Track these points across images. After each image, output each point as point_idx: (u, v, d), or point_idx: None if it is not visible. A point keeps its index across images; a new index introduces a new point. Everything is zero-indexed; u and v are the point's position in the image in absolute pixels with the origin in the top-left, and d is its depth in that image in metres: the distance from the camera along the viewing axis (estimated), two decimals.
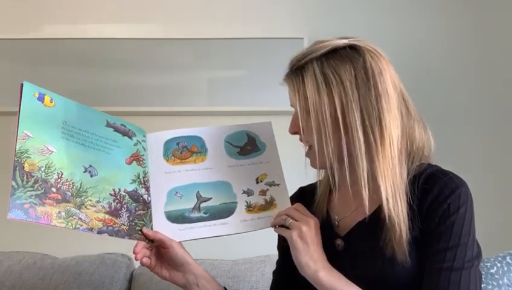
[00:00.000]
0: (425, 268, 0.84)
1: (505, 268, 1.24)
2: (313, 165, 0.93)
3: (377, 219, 0.87)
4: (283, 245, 1.04)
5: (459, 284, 0.80)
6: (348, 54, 0.88)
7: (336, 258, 0.87)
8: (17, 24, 1.84)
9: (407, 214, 0.84)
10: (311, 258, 0.84)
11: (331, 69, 0.87)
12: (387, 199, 0.84)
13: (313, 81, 0.87)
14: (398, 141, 0.86)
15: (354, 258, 0.89)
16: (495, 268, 1.24)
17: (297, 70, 0.90)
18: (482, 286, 1.20)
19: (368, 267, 0.86)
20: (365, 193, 0.85)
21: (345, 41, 0.90)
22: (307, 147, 0.93)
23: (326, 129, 0.86)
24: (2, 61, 1.80)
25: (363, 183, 0.85)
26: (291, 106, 0.94)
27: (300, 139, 0.94)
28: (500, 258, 1.26)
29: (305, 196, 1.03)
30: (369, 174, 0.85)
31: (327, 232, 0.92)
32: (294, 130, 0.93)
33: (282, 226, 0.89)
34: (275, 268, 1.09)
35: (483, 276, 1.22)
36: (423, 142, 0.92)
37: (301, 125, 0.90)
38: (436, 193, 0.85)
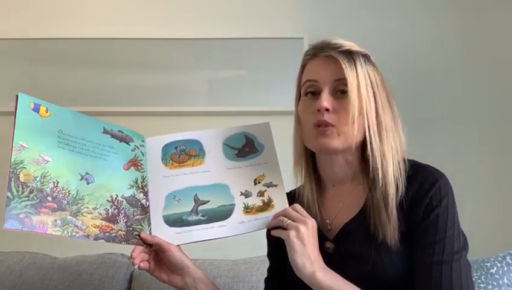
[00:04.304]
0: (415, 264, 0.85)
1: (505, 268, 1.24)
2: (330, 145, 0.90)
3: (365, 211, 0.90)
4: (274, 252, 1.05)
5: (451, 276, 0.82)
6: (371, 61, 0.94)
7: (326, 261, 0.87)
8: (18, 24, 1.85)
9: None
10: (308, 259, 0.84)
11: (371, 69, 0.93)
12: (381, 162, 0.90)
13: (363, 74, 0.90)
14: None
15: (344, 259, 0.89)
16: (495, 268, 1.24)
17: (347, 53, 0.91)
18: (482, 286, 1.21)
19: (359, 268, 0.87)
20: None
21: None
22: (330, 127, 0.90)
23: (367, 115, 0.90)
24: (2, 61, 1.81)
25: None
26: (331, 80, 0.91)
27: (324, 124, 0.90)
28: (500, 258, 1.26)
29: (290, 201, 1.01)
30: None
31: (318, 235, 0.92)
32: (329, 106, 0.90)
33: (279, 227, 0.89)
34: (266, 276, 1.09)
35: (483, 276, 1.22)
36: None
37: (353, 106, 0.88)
38: (416, 188, 0.87)
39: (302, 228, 0.85)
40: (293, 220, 0.87)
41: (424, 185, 0.87)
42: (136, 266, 0.93)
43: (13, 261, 1.41)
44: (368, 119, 0.89)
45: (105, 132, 1.00)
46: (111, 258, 1.43)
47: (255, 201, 0.98)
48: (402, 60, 1.83)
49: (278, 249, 0.98)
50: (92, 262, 1.41)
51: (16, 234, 1.55)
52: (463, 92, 1.86)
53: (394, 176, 0.88)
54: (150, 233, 0.95)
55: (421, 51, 1.87)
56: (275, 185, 1.00)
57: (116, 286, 1.37)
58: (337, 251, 0.92)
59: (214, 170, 1.02)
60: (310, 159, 1.00)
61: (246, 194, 0.99)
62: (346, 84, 0.89)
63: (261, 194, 0.99)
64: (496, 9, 1.91)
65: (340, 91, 0.91)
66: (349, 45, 0.93)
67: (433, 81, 1.86)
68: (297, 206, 0.91)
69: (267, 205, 0.97)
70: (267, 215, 0.95)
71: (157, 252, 0.95)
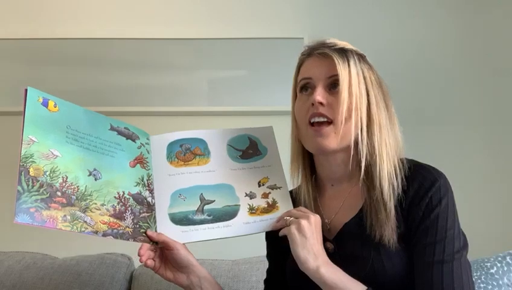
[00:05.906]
0: (415, 264, 0.85)
1: (505, 268, 1.24)
2: (327, 145, 0.91)
3: (362, 212, 0.90)
4: (273, 253, 1.06)
5: (452, 276, 0.82)
6: (367, 61, 0.95)
7: None
8: (17, 24, 1.84)
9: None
10: (310, 253, 0.84)
11: (366, 68, 0.93)
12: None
13: (356, 70, 0.90)
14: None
15: (344, 260, 0.89)
16: (495, 268, 1.24)
17: (340, 51, 0.92)
18: (482, 286, 1.21)
19: (359, 268, 0.87)
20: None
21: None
22: (325, 124, 0.91)
23: (357, 112, 0.90)
24: (2, 61, 1.80)
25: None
26: (325, 77, 0.92)
27: (319, 114, 0.91)
28: (500, 258, 1.27)
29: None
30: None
31: None
32: (323, 100, 0.90)
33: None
34: (265, 277, 1.09)
35: (483, 276, 1.22)
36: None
37: (344, 100, 0.89)
38: (416, 187, 0.88)
39: (303, 222, 0.85)
40: (296, 218, 0.88)
41: (424, 184, 0.87)
42: (142, 264, 0.93)
43: (13, 261, 1.41)
44: (359, 115, 0.89)
45: (112, 128, 1.01)
46: (111, 258, 1.43)
47: (259, 202, 0.98)
48: (403, 61, 1.83)
49: (277, 249, 0.99)
50: (92, 262, 1.41)
51: (16, 234, 1.55)
52: (463, 93, 1.86)
53: (389, 173, 0.89)
54: (156, 231, 0.95)
55: (422, 51, 1.87)
56: (279, 187, 1.00)
57: (116, 286, 1.37)
58: (337, 251, 0.92)
59: (218, 170, 1.02)
60: (308, 159, 1.00)
61: (251, 195, 0.99)
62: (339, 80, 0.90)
63: (265, 196, 0.99)
64: (497, 10, 1.91)
65: (334, 86, 0.92)
66: (343, 44, 0.94)
67: (434, 82, 1.86)
68: (301, 207, 0.92)
69: (271, 207, 0.98)
70: (272, 217, 0.96)
71: (162, 250, 0.95)
